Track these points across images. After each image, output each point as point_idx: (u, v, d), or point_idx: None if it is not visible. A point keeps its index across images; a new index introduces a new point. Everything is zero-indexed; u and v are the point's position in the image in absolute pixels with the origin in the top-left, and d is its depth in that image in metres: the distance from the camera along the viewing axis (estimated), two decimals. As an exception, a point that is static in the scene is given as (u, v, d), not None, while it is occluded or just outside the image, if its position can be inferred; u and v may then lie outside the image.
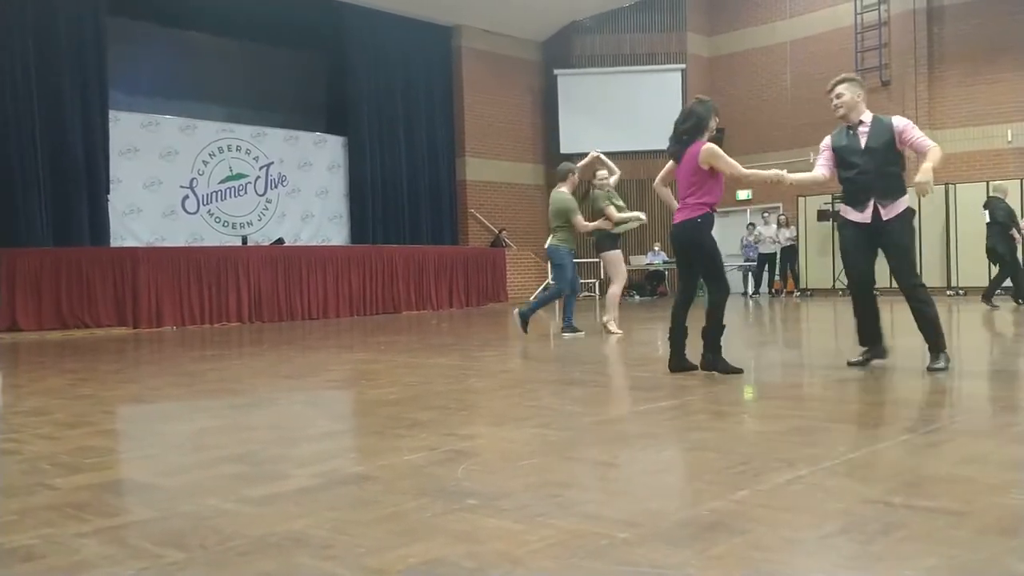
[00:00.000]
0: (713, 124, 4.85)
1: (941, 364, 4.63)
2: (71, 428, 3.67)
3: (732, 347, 5.94)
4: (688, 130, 4.80)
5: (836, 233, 14.06)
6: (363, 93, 16.58)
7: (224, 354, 7.68)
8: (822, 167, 4.93)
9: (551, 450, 3.03)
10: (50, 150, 12.52)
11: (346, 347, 8.37)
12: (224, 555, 1.91)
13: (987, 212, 11.17)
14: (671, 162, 5.04)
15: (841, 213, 5.02)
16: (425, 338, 8.83)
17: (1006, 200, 11.20)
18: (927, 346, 4.72)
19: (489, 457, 2.92)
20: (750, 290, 17.74)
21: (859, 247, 4.84)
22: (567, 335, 7.98)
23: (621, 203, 8.12)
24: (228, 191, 14.97)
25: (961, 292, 14.78)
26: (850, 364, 4.99)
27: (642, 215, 8.18)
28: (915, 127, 4.74)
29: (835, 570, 1.76)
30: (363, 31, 16.48)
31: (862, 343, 4.97)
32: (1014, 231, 10.88)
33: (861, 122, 4.77)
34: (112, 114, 13.35)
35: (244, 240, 14.56)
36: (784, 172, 4.93)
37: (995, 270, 11.42)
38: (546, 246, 8.32)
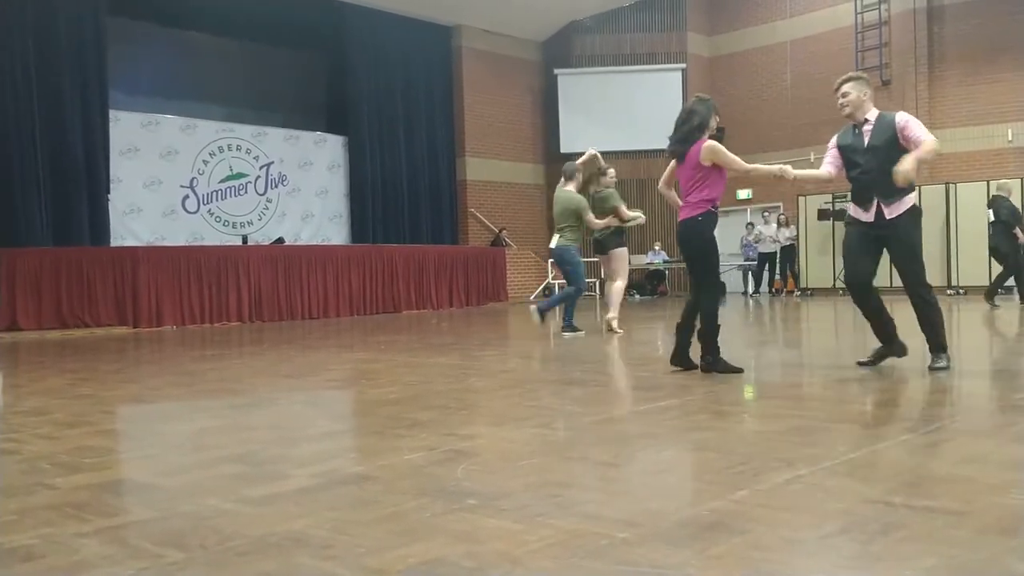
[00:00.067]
0: (714, 123, 4.85)
1: (942, 363, 4.62)
2: (71, 428, 3.67)
3: (732, 347, 5.94)
4: (691, 129, 4.79)
5: (841, 231, 14.07)
6: (363, 93, 16.59)
7: (224, 354, 7.68)
8: (828, 165, 4.91)
9: (551, 450, 3.03)
10: (50, 150, 12.53)
11: (346, 346, 8.37)
12: (224, 555, 1.91)
13: (991, 211, 11.13)
14: (672, 163, 5.03)
15: (849, 212, 5.00)
16: (425, 337, 8.83)
17: (1010, 199, 11.16)
18: (928, 345, 4.72)
19: (489, 457, 2.91)
20: (750, 290, 17.74)
21: (861, 246, 4.81)
22: (567, 335, 7.97)
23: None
24: (228, 191, 14.98)
25: (961, 291, 14.77)
26: (860, 364, 4.92)
27: (642, 216, 8.21)
28: (916, 123, 4.66)
29: (835, 570, 1.76)
30: (363, 31, 16.49)
31: (880, 340, 4.91)
32: (1017, 230, 10.81)
33: (866, 121, 4.72)
34: (112, 114, 13.36)
35: (244, 240, 14.57)
36: (788, 168, 4.92)
37: (999, 269, 11.38)
38: (553, 246, 8.15)
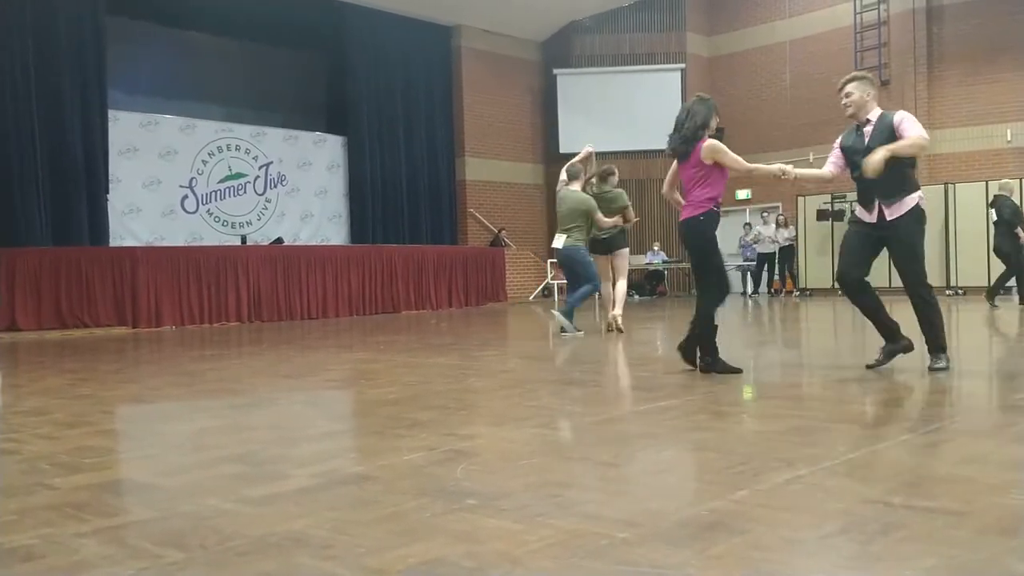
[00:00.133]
0: (714, 123, 4.85)
1: (942, 364, 4.61)
2: (70, 428, 3.67)
3: (732, 347, 5.95)
4: (695, 128, 4.77)
5: (840, 231, 14.01)
6: (363, 93, 16.58)
7: (224, 354, 7.68)
8: (830, 165, 4.89)
9: (551, 450, 3.03)
10: (49, 150, 12.52)
11: (345, 347, 8.37)
12: (224, 555, 1.91)
13: (993, 210, 11.08)
14: (675, 164, 5.03)
15: (856, 211, 4.97)
16: (424, 338, 8.83)
17: (1011, 198, 11.12)
18: (927, 346, 4.71)
19: (489, 457, 2.91)
20: (749, 290, 17.75)
21: (858, 245, 4.80)
22: (566, 335, 7.97)
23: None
24: (227, 191, 14.97)
25: (960, 292, 14.78)
26: (868, 367, 4.81)
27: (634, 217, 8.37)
28: (911, 121, 4.60)
29: (835, 570, 1.76)
30: (363, 31, 16.48)
31: (884, 338, 4.84)
32: (1019, 230, 10.76)
33: (868, 121, 4.69)
34: (111, 114, 13.35)
35: (243, 240, 14.56)
36: (789, 167, 4.91)
37: (1002, 269, 11.33)
38: (560, 247, 8.04)
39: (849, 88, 4.72)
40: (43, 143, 12.42)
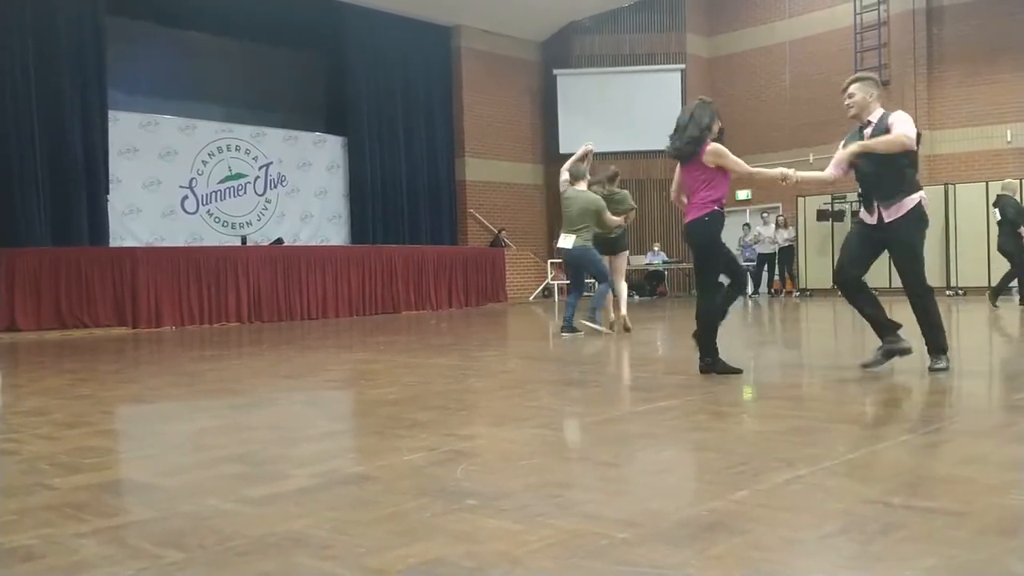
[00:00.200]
0: (716, 127, 4.86)
1: (942, 364, 4.61)
2: (70, 428, 3.67)
3: (731, 347, 5.95)
4: (701, 130, 4.77)
5: (840, 232, 14.01)
6: (362, 93, 16.58)
7: (223, 354, 7.67)
8: (832, 166, 4.90)
9: (551, 450, 3.03)
10: (49, 150, 12.52)
11: (345, 347, 8.37)
12: (224, 555, 1.91)
13: (997, 210, 11.05)
14: (679, 169, 5.03)
15: (860, 212, 4.98)
16: (424, 338, 8.83)
17: (1015, 197, 11.09)
18: (927, 347, 4.71)
19: (489, 457, 2.91)
20: (749, 290, 17.75)
21: (858, 245, 4.80)
22: (566, 335, 7.98)
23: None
24: (227, 191, 14.97)
25: (960, 292, 14.78)
26: (864, 367, 4.81)
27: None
28: (902, 119, 4.56)
29: (835, 570, 1.76)
30: (363, 31, 16.48)
31: (880, 338, 4.82)
32: (1022, 229, 10.72)
33: (869, 122, 4.68)
34: (111, 114, 13.35)
35: (243, 240, 14.56)
36: (791, 170, 4.91)
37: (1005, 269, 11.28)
38: (569, 247, 7.93)
39: (852, 89, 4.72)
40: (43, 143, 12.42)
